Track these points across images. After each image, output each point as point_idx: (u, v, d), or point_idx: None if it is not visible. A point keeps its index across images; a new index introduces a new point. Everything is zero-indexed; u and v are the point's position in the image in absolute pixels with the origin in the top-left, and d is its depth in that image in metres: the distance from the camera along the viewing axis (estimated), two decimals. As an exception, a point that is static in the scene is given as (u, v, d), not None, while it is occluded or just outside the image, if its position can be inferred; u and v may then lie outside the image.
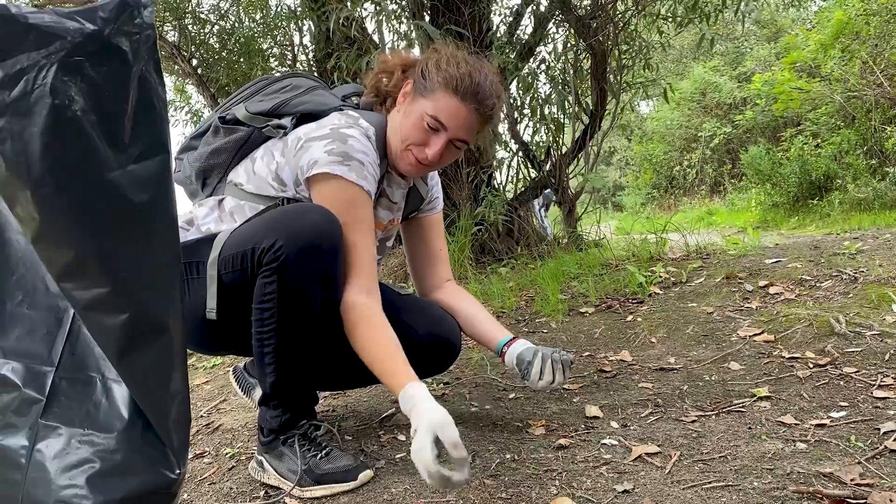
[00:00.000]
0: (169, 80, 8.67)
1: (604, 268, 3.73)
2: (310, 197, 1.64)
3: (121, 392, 1.23)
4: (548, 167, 4.92)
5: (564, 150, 5.00)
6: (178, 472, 1.24)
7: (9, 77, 0.99)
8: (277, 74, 1.93)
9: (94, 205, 1.07)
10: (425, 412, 1.38)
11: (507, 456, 1.67)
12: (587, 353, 2.51)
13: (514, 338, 1.83)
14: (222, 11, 6.81)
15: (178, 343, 1.22)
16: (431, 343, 1.85)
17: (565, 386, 2.17)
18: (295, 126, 1.70)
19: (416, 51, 4.82)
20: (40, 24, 0.99)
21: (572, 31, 4.81)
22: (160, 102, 1.17)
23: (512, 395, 2.19)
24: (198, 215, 1.76)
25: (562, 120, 4.87)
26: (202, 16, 6.85)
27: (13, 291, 1.25)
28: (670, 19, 4.63)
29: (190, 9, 6.80)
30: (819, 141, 11.34)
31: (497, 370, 2.43)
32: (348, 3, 4.49)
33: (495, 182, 5.07)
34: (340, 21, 4.13)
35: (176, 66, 6.89)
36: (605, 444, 1.70)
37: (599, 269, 3.72)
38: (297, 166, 1.62)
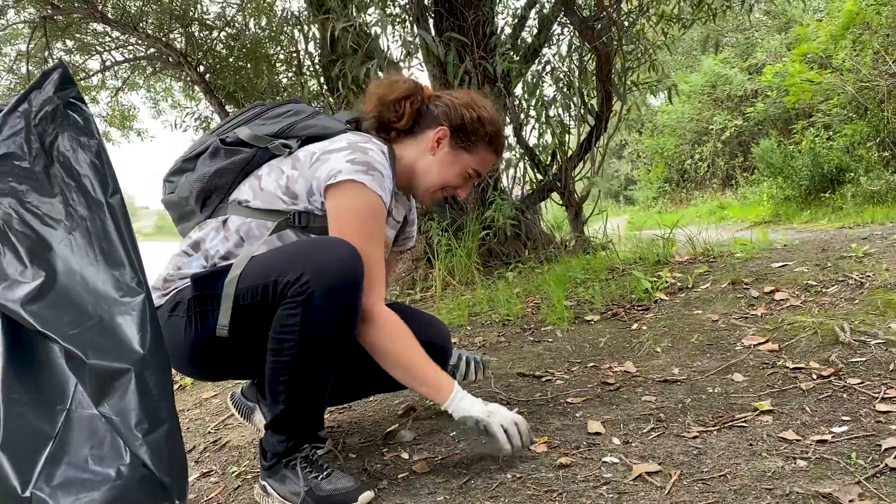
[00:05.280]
0: (177, 86, 8.75)
1: (610, 272, 3.73)
2: (324, 206, 1.67)
3: (121, 427, 1.26)
4: (554, 170, 4.91)
5: (570, 152, 4.99)
6: (176, 503, 1.27)
7: None
8: (275, 101, 1.96)
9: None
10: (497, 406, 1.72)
11: (508, 476, 1.68)
12: (591, 364, 2.51)
13: None
14: (228, 18, 6.84)
15: (153, 385, 1.25)
16: (425, 347, 1.87)
17: (568, 400, 2.17)
18: (300, 146, 1.74)
19: (420, 55, 4.83)
20: None
21: (576, 32, 4.80)
22: (79, 168, 1.34)
23: (514, 410, 2.18)
24: (203, 238, 1.76)
25: (567, 122, 4.86)
26: (209, 22, 6.90)
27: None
28: (674, 21, 4.60)
29: (196, 15, 6.85)
30: (831, 133, 11.25)
31: (500, 383, 2.44)
32: (353, 11, 4.50)
33: (501, 185, 5.08)
34: (338, 31, 4.14)
35: (183, 74, 6.93)
36: (605, 462, 1.70)
37: (606, 273, 3.72)
38: (314, 177, 1.65)
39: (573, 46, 5.00)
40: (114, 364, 1.24)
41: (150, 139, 10.57)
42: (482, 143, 1.85)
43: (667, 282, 3.29)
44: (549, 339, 2.93)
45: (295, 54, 6.14)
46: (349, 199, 1.62)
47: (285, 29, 6.19)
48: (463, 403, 1.69)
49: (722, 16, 4.62)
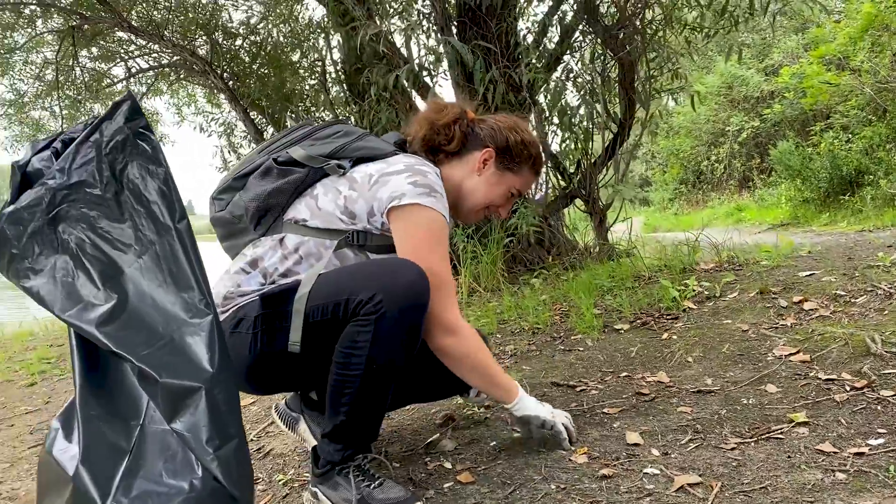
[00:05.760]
0: (200, 93, 8.85)
1: (636, 280, 3.77)
2: (384, 227, 1.74)
3: (193, 442, 1.32)
4: (577, 177, 4.95)
5: (594, 159, 5.03)
6: (247, 515, 1.33)
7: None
8: (323, 121, 2.02)
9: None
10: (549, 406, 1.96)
11: (552, 486, 1.73)
12: (625, 374, 2.56)
13: None
14: (252, 26, 6.93)
15: (222, 402, 1.31)
16: None
17: (604, 410, 2.22)
18: (352, 167, 1.80)
19: (444, 64, 4.88)
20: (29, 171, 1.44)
21: (599, 41, 4.84)
22: (148, 195, 1.40)
23: (552, 419, 2.24)
24: (261, 256, 1.80)
25: (590, 129, 4.90)
26: (233, 30, 6.99)
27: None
28: (698, 30, 4.63)
29: (220, 24, 6.94)
30: (850, 135, 11.20)
31: (535, 392, 2.48)
32: (376, 19, 4.56)
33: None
34: (368, 37, 4.19)
35: (208, 81, 7.02)
36: (647, 473, 1.75)
37: (632, 281, 3.76)
38: (375, 198, 1.72)
39: (596, 54, 5.04)
40: (185, 382, 1.30)
41: (170, 144, 10.68)
42: (526, 165, 1.96)
43: (694, 290, 3.33)
44: (580, 348, 2.98)
45: (318, 62, 6.22)
46: (418, 221, 1.69)
47: (309, 37, 6.27)
48: (529, 403, 1.89)
49: (745, 24, 4.64)
